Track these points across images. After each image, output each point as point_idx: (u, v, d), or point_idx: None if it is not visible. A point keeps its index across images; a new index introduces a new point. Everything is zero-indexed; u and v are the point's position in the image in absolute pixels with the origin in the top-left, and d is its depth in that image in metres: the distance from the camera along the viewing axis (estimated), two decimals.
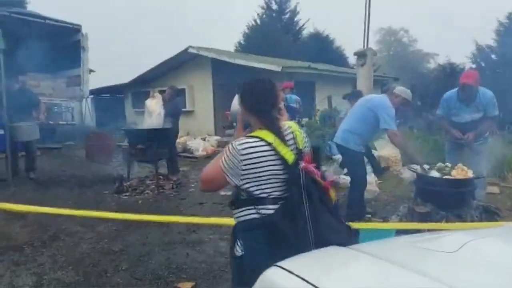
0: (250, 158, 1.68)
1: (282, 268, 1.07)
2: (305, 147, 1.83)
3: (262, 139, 1.70)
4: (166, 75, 13.46)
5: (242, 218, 1.76)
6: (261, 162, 1.69)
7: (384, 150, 7.04)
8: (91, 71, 12.33)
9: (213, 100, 12.53)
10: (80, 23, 10.32)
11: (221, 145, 9.63)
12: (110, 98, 18.57)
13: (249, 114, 1.82)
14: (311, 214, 1.64)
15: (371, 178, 5.42)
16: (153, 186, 6.03)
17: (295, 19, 25.56)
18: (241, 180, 1.70)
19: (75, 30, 9.94)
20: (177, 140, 8.98)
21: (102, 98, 18.66)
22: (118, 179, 6.18)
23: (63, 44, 10.05)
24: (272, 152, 1.70)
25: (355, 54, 9.58)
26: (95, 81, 14.17)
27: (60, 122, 11.94)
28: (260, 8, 25.07)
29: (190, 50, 11.81)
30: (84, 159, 9.50)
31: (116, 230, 4.33)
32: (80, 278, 3.23)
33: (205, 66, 12.31)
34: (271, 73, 10.64)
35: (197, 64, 12.47)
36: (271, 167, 1.70)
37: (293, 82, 8.77)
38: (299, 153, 1.76)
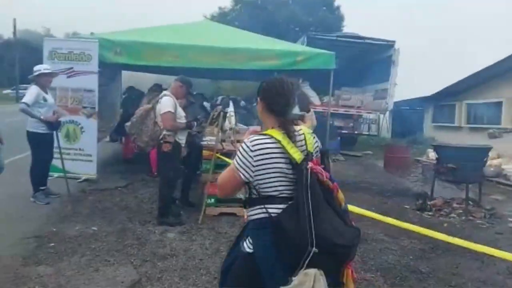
0: (260, 154, 1.74)
1: None
2: (315, 151, 1.87)
3: (271, 137, 1.77)
4: (479, 86, 11.89)
5: (253, 217, 1.82)
6: (270, 158, 1.75)
7: None
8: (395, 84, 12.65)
9: None
10: (392, 38, 10.76)
11: None
12: (408, 111, 18.42)
13: (266, 112, 1.88)
14: (313, 213, 1.61)
15: None
16: (461, 211, 5.42)
17: None
18: (253, 176, 1.76)
19: (388, 46, 10.44)
20: (489, 163, 7.76)
21: (400, 110, 18.81)
22: (421, 196, 5.97)
23: (375, 59, 10.79)
24: (280, 150, 1.75)
25: None
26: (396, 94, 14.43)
27: (363, 133, 12.97)
28: None
29: None
30: (381, 169, 9.87)
31: (421, 249, 4.18)
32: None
33: None
34: None
35: None
36: (279, 164, 1.75)
37: None
38: (307, 155, 1.78)
